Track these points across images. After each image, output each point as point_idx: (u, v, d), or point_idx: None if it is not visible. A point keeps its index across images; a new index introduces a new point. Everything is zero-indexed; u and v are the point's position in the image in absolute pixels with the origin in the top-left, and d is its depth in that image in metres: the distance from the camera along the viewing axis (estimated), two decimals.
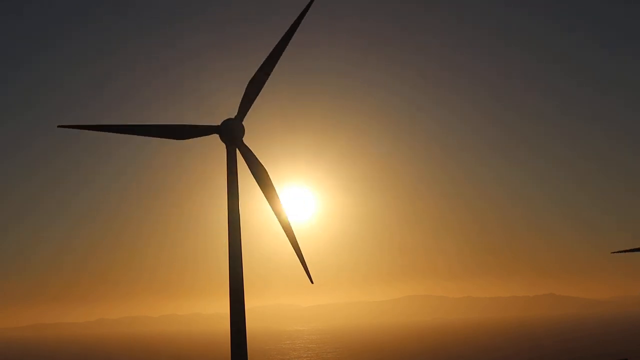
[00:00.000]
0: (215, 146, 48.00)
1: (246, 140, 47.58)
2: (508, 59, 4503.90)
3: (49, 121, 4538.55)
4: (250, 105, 47.37)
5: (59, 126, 43.77)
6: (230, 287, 44.01)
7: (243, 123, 47.23)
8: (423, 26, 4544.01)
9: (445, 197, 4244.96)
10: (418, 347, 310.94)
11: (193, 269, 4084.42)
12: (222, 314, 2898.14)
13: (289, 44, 46.38)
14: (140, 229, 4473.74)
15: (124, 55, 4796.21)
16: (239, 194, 45.82)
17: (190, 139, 47.10)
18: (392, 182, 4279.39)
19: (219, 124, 46.96)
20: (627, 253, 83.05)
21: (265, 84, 47.11)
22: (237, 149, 46.48)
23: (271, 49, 46.66)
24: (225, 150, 46.38)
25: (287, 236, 46.92)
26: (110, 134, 44.64)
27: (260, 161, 47.38)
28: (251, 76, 46.73)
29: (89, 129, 43.89)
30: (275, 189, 47.18)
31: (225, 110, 50.82)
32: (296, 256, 47.36)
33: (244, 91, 46.96)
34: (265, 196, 46.86)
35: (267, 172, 47.13)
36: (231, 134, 46.18)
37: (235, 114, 47.28)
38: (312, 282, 46.57)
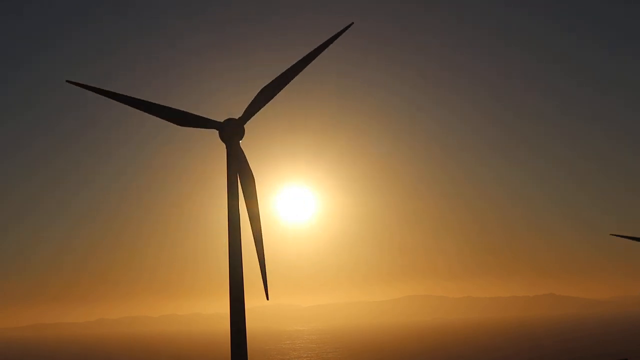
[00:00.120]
0: (215, 146, 48.06)
1: (246, 139, 47.57)
2: (508, 59, 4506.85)
3: (49, 121, 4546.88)
4: (256, 112, 47.28)
5: (67, 81, 43.57)
6: (230, 287, 43.98)
7: (245, 127, 47.14)
8: (423, 26, 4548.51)
9: (445, 197, 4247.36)
10: (418, 347, 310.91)
11: (193, 269, 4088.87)
12: (222, 314, 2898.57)
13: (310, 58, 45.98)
14: (140, 229, 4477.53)
15: (124, 55, 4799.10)
16: (239, 194, 45.79)
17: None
18: (392, 182, 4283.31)
19: (222, 121, 46.93)
20: (625, 239, 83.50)
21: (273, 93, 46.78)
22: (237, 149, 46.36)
23: (290, 64, 46.32)
24: (225, 150, 46.34)
25: (256, 246, 45.86)
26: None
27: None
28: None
29: (96, 92, 43.71)
30: (257, 199, 46.50)
31: (225, 110, 50.84)
32: (260, 266, 46.15)
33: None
34: (246, 201, 46.32)
35: (254, 179, 46.67)
36: (231, 132, 46.12)
37: (237, 114, 47.27)
38: (267, 298, 45.77)
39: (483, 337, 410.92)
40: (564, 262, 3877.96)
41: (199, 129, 47.10)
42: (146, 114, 45.36)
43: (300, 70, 46.81)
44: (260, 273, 45.56)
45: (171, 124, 46.36)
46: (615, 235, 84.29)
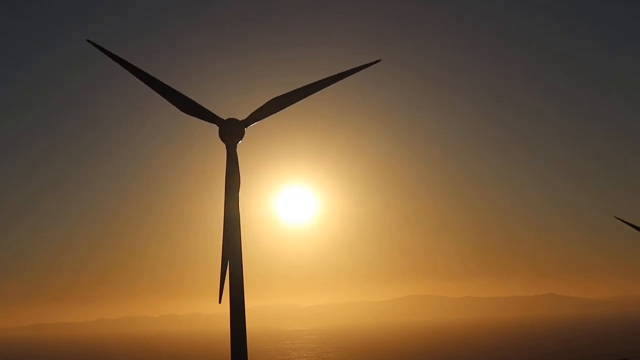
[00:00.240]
0: (215, 146, 47.97)
1: (246, 139, 47.47)
2: (508, 59, 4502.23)
3: (49, 121, 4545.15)
4: (261, 119, 47.24)
5: (87, 40, 43.78)
6: (231, 287, 43.96)
7: (245, 130, 47.00)
8: (423, 26, 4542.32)
9: (445, 197, 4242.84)
10: (418, 347, 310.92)
11: (193, 269, 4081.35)
12: (222, 314, 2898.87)
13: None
14: (140, 229, 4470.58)
15: (124, 55, 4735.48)
16: (239, 194, 45.72)
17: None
18: (392, 182, 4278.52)
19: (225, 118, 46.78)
20: (628, 226, 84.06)
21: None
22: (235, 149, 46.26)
23: (308, 81, 46.73)
24: (225, 150, 46.27)
25: (224, 247, 44.54)
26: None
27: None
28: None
29: (113, 59, 43.96)
30: (239, 202, 46.04)
31: (225, 110, 50.64)
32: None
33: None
34: (226, 202, 45.53)
35: (239, 183, 46.18)
36: (231, 132, 46.02)
37: (237, 114, 47.16)
38: (220, 302, 45.15)
39: (483, 337, 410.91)
40: (564, 262, 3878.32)
41: (200, 121, 47.07)
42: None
43: (315, 92, 46.98)
44: (219, 274, 44.14)
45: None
46: (619, 219, 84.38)
